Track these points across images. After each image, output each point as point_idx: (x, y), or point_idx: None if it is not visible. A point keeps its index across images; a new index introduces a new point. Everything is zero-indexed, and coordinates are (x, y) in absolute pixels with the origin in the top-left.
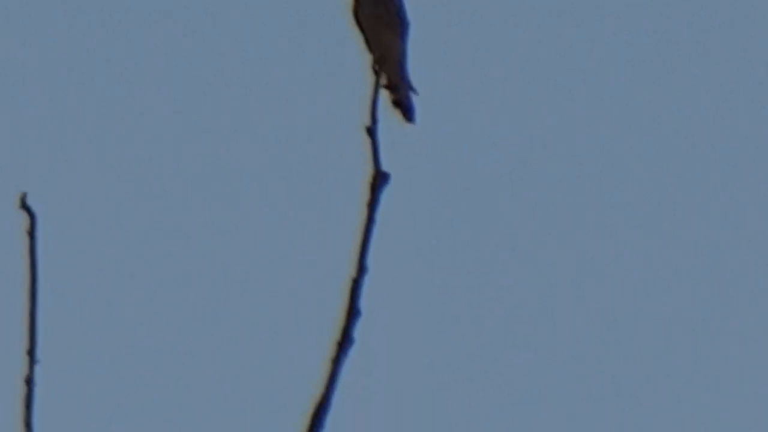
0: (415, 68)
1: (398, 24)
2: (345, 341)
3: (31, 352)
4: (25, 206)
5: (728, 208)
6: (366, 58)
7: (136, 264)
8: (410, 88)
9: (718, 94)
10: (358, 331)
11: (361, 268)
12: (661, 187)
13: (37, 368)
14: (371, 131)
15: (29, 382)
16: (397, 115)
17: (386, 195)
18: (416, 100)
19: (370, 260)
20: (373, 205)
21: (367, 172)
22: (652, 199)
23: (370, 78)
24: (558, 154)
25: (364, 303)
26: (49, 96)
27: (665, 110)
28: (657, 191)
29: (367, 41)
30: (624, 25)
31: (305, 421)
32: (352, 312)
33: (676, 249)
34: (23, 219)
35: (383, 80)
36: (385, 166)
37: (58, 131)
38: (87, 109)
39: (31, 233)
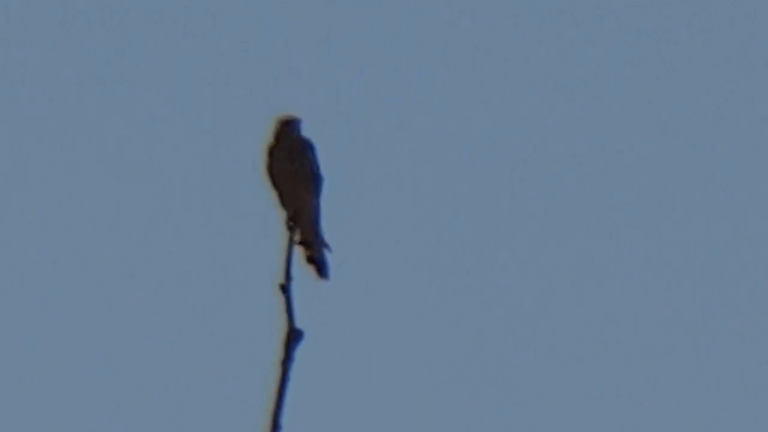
0: (329, 224)
1: (312, 180)
2: None
3: None
4: None
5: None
6: (280, 214)
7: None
8: (324, 244)
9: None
10: None
11: (275, 426)
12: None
13: None
14: (285, 288)
15: None
16: (311, 270)
17: (300, 352)
18: (330, 256)
19: (285, 418)
20: (286, 362)
21: (282, 329)
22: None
23: (283, 234)
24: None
25: None
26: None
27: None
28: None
29: (281, 198)
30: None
31: None
32: None
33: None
34: None
35: (297, 237)
36: (299, 324)
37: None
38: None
39: None
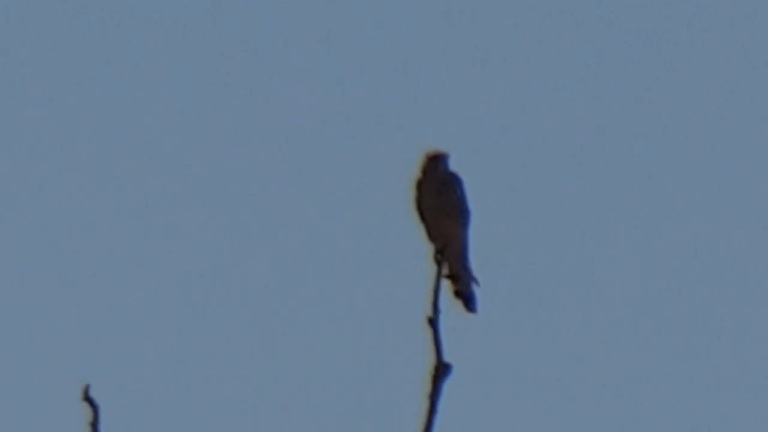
0: (477, 258)
1: (460, 214)
2: None
3: None
4: (88, 398)
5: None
6: (428, 249)
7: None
8: (472, 278)
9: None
10: None
11: None
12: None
13: None
14: (433, 322)
15: None
16: (458, 305)
17: (448, 386)
18: (477, 291)
19: None
20: (434, 396)
21: (429, 362)
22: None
23: (431, 268)
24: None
25: None
26: None
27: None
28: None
29: (429, 232)
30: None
31: None
32: None
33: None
34: (86, 411)
35: (445, 270)
36: (447, 357)
37: None
38: None
39: (94, 426)
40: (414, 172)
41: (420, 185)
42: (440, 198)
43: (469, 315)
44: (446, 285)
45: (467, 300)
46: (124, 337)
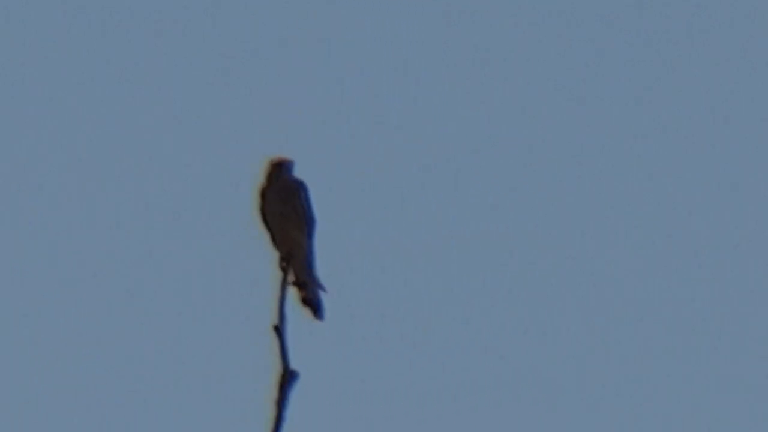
0: (325, 265)
1: (305, 222)
2: None
3: None
4: None
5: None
6: (273, 256)
7: None
8: (319, 285)
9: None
10: None
11: None
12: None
13: None
14: (279, 329)
15: None
16: (306, 312)
17: (295, 393)
18: (325, 297)
19: None
20: (281, 403)
21: (276, 370)
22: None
23: (277, 276)
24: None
25: None
26: None
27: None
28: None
29: (274, 239)
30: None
31: None
32: None
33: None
34: None
35: (291, 277)
36: (294, 364)
37: None
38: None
39: None
40: (259, 178)
41: (264, 192)
42: (285, 205)
43: (318, 322)
44: (293, 292)
45: (315, 307)
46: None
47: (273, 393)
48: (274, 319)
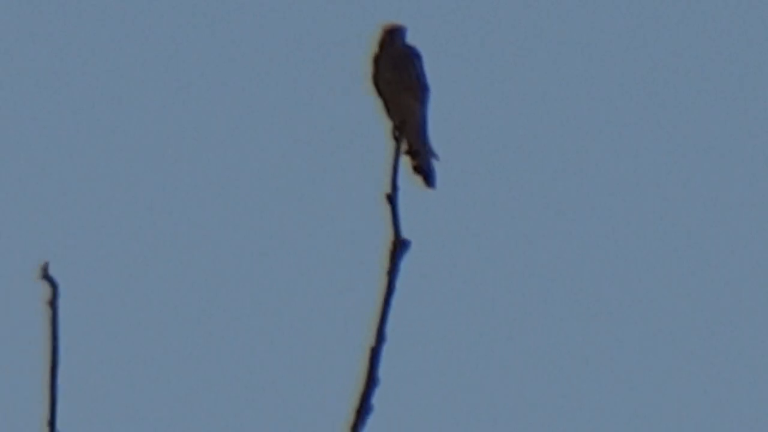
0: (436, 133)
1: (418, 89)
2: (364, 409)
3: (52, 424)
4: (46, 276)
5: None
6: (386, 125)
7: (153, 336)
8: (431, 153)
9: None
10: (377, 400)
11: (380, 337)
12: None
13: None
14: (391, 199)
15: None
16: (418, 180)
17: (406, 262)
18: (437, 165)
19: (390, 330)
20: (392, 273)
21: (387, 239)
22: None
23: (390, 144)
24: (583, 214)
25: (382, 372)
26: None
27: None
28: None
29: (387, 107)
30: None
31: None
32: (371, 380)
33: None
34: (45, 289)
35: (404, 146)
36: (405, 234)
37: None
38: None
39: (53, 303)
40: (371, 46)
41: (377, 60)
42: (398, 73)
43: (429, 190)
44: (405, 161)
45: (426, 175)
46: (87, 217)
47: (384, 262)
48: (386, 188)
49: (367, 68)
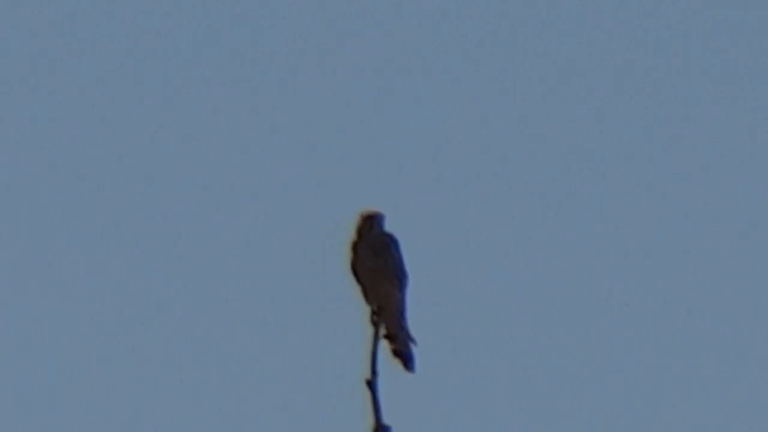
0: (414, 319)
1: (396, 276)
2: None
3: None
4: None
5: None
6: (364, 310)
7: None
8: (409, 337)
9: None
10: None
11: None
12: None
13: None
14: (371, 384)
15: None
16: (397, 364)
17: None
18: (415, 350)
19: None
20: None
21: (369, 424)
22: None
23: (368, 330)
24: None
25: None
26: None
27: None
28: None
29: (365, 293)
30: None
31: None
32: None
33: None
34: None
35: (382, 331)
36: (386, 418)
37: None
38: None
39: None
40: (349, 232)
41: (355, 246)
42: (376, 260)
43: (408, 374)
44: (384, 344)
45: (406, 359)
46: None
47: None
48: (366, 374)
49: (345, 254)
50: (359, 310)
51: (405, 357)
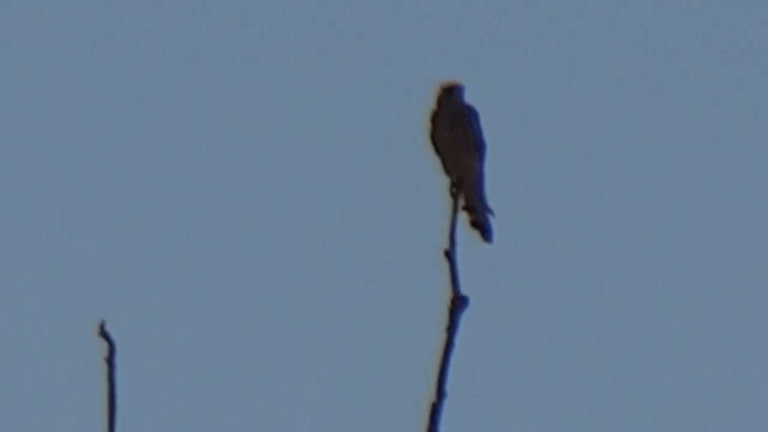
0: (492, 189)
1: (475, 147)
2: None
3: None
4: (104, 334)
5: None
6: (443, 181)
7: (211, 390)
8: (488, 209)
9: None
10: None
11: (441, 393)
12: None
13: None
14: (450, 255)
15: None
16: (474, 235)
17: (465, 318)
18: (494, 221)
19: (449, 385)
20: (452, 329)
21: (446, 295)
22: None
23: (447, 201)
24: (639, 260)
25: (443, 427)
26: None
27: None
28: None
29: (444, 165)
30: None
31: None
32: None
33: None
34: (102, 347)
35: (461, 203)
36: (464, 290)
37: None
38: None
39: (110, 360)
40: (429, 103)
41: (435, 117)
42: (455, 131)
43: (486, 246)
44: (463, 216)
45: (483, 231)
46: (139, 273)
47: (444, 319)
48: (444, 244)
49: (425, 126)
50: (439, 181)
51: (483, 228)
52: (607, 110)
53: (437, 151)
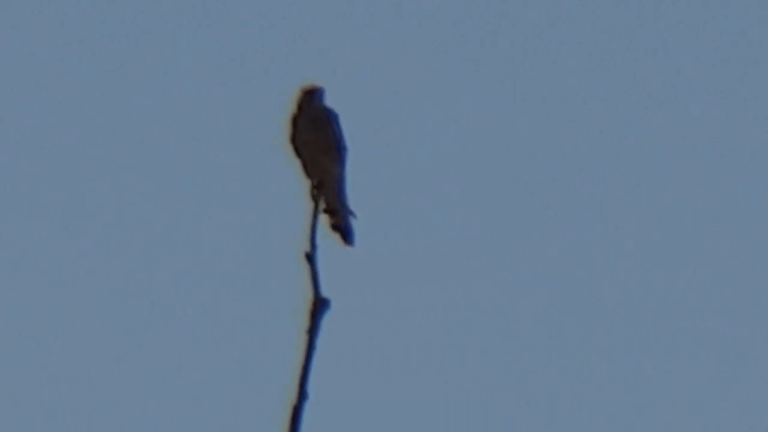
0: (354, 192)
1: (336, 150)
2: None
3: None
4: None
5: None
6: (304, 184)
7: None
8: (349, 211)
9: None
10: None
11: (302, 395)
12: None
13: None
14: (310, 257)
15: None
16: (336, 239)
17: (327, 321)
18: (355, 224)
19: (311, 387)
20: (313, 331)
21: (307, 298)
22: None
23: (308, 204)
24: (505, 279)
25: (304, 430)
26: None
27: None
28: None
29: (305, 167)
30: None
31: None
32: None
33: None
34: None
35: (322, 205)
36: (325, 292)
37: None
38: None
39: None
40: (290, 107)
41: (295, 120)
42: (316, 133)
43: (347, 249)
44: (323, 219)
45: (345, 234)
46: None
47: (305, 321)
48: (305, 247)
49: (285, 128)
50: (299, 184)
51: (344, 231)
52: (464, 108)
53: (298, 153)
